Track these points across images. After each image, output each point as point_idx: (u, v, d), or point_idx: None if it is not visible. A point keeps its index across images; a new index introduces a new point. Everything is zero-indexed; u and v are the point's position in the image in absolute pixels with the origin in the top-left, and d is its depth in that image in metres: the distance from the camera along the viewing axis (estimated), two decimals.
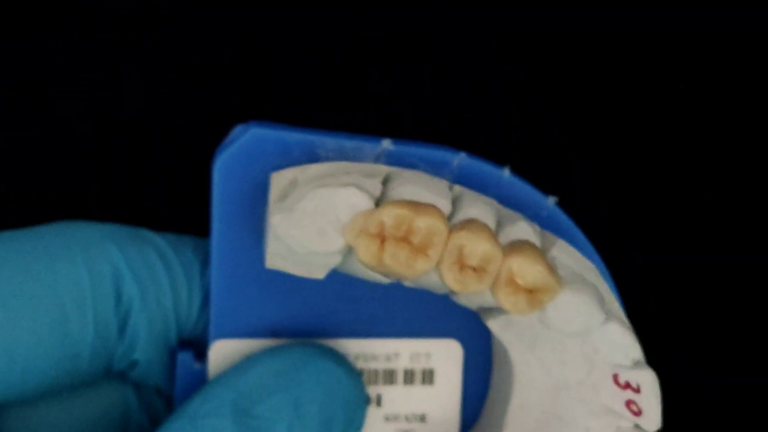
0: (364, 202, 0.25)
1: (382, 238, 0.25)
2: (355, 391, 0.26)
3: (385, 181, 0.26)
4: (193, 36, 0.35)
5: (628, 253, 0.37)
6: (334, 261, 0.25)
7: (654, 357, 0.27)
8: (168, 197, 0.33)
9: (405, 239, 0.25)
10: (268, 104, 0.34)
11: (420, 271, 0.25)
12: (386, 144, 0.26)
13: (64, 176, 0.36)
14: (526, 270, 0.25)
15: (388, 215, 0.24)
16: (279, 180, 0.26)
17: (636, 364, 0.27)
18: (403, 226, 0.24)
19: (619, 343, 0.26)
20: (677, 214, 0.39)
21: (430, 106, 0.38)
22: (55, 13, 0.35)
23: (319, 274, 0.26)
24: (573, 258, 0.27)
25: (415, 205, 0.25)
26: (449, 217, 0.25)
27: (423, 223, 0.24)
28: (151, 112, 0.36)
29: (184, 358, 0.28)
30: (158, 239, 0.28)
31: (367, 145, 0.26)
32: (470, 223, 0.25)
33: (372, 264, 0.25)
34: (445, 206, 0.25)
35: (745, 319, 0.39)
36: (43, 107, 0.35)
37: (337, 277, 0.27)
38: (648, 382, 0.27)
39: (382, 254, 0.24)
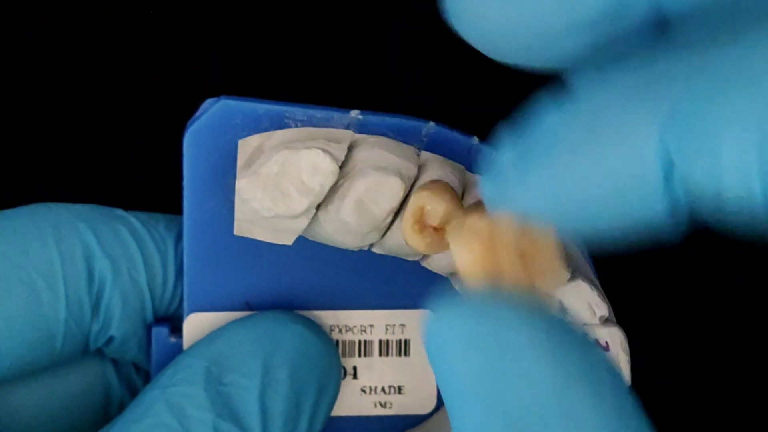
0: (328, 164, 0.25)
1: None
2: (327, 355, 0.26)
3: (352, 147, 0.26)
4: (192, 35, 0.35)
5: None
6: (301, 225, 0.25)
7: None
8: (164, 192, 0.33)
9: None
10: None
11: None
12: (355, 114, 0.26)
13: (59, 171, 0.36)
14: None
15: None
16: (245, 147, 0.26)
17: (604, 322, 0.27)
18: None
19: (587, 301, 0.26)
20: None
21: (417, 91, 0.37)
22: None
23: (287, 239, 0.26)
24: None
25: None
26: (415, 181, 0.26)
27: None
28: (148, 109, 0.36)
29: (160, 332, 0.28)
30: (130, 217, 0.28)
31: (336, 115, 0.26)
32: (432, 184, 0.25)
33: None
34: (412, 170, 0.26)
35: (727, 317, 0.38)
36: (37, 101, 0.36)
37: (310, 248, 0.27)
38: (617, 339, 0.27)
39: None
